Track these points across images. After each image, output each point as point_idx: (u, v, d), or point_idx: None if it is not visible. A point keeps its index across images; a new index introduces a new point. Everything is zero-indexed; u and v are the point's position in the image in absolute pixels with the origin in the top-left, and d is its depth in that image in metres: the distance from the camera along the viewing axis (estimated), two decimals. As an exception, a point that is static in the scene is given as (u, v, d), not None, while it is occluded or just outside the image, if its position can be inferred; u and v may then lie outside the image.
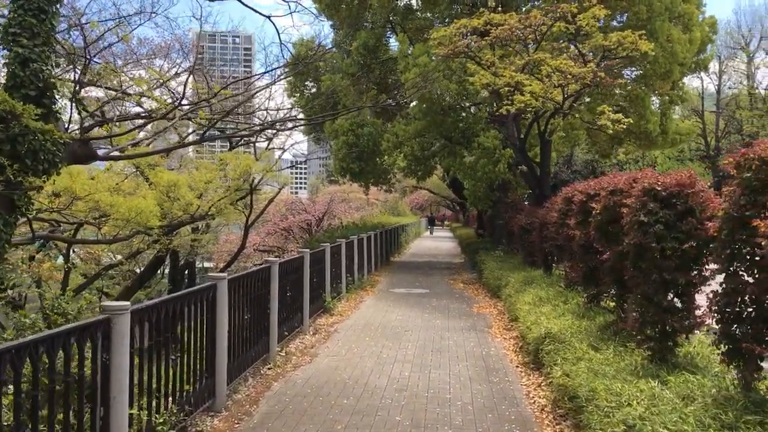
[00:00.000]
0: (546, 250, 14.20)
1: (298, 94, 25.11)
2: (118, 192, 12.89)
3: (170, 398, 5.79)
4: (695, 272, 6.39)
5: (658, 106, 24.20)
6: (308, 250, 11.57)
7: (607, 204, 8.12)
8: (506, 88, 14.84)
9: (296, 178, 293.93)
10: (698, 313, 6.42)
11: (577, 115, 16.88)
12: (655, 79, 21.65)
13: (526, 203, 20.23)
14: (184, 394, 6.09)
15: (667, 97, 23.82)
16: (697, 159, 54.86)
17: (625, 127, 14.72)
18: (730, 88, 60.68)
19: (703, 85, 62.07)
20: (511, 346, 10.28)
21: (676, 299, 6.56)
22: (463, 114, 21.61)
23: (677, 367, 6.29)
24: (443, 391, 7.73)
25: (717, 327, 5.49)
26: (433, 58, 20.60)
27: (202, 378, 6.53)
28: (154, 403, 5.46)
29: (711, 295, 5.44)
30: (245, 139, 17.78)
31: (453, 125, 21.80)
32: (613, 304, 8.75)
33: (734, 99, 59.34)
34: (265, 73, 18.20)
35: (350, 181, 26.58)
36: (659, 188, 6.52)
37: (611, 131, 14.85)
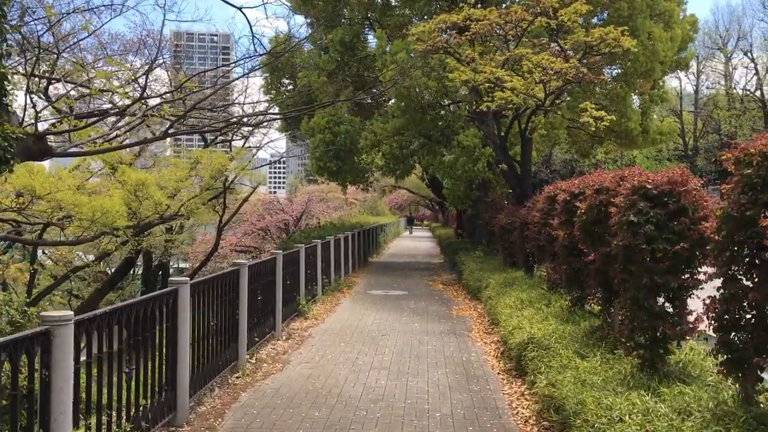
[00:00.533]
0: (527, 250, 13.86)
1: (275, 92, 24.59)
2: (83, 191, 12.33)
3: (124, 415, 5.30)
4: (687, 275, 6.03)
5: (638, 105, 24.00)
6: (281, 251, 11.09)
7: (593, 203, 7.75)
8: (486, 85, 14.47)
9: (275, 178, 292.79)
10: (690, 318, 6.07)
11: (559, 112, 16.55)
12: (636, 77, 21.44)
13: (506, 203, 19.87)
14: (141, 409, 5.60)
15: (647, 96, 23.62)
16: (675, 159, 55.03)
17: (607, 124, 14.41)
18: (708, 88, 61.10)
19: (681, 85, 62.41)
20: (492, 351, 9.89)
21: (667, 304, 6.21)
22: (443, 112, 21.24)
23: (669, 376, 5.93)
24: (421, 401, 7.30)
25: (714, 334, 5.13)
26: (412, 55, 20.21)
27: (162, 391, 6.04)
28: (105, 422, 4.97)
29: (708, 301, 5.07)
30: (219, 135, 17.20)
31: (432, 123, 21.42)
32: (599, 308, 8.38)
33: (712, 99, 59.72)
34: (234, 64, 17.25)
35: (327, 180, 26.10)
36: (650, 186, 6.15)
37: (593, 128, 14.54)
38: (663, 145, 45.40)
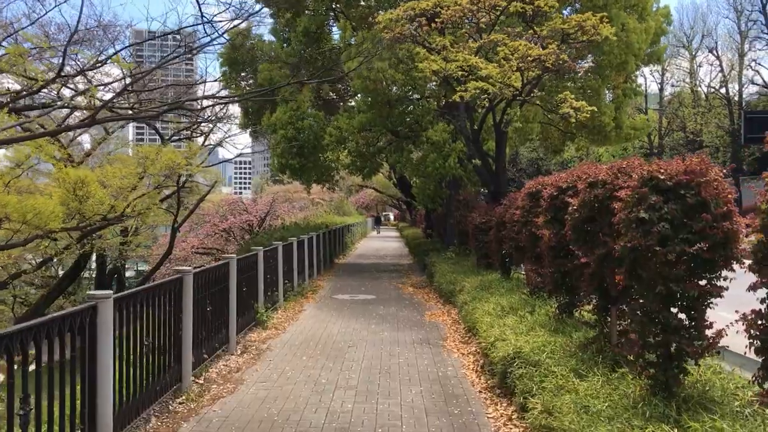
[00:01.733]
0: (504, 251, 12.91)
1: (234, 86, 23.37)
2: (14, 190, 11.07)
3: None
4: (707, 282, 5.11)
5: (610, 99, 23.31)
6: (234, 256, 9.96)
7: (586, 199, 6.79)
8: (459, 73, 13.50)
9: (240, 178, 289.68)
10: (709, 332, 5.15)
11: (538, 102, 15.65)
12: (610, 70, 20.71)
13: (480, 201, 18.99)
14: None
15: (620, 91, 22.94)
16: (642, 157, 54.84)
17: (587, 116, 13.56)
18: (673, 86, 61.15)
19: (646, 83, 62.44)
20: (470, 364, 8.89)
21: (682, 315, 5.27)
22: (411, 107, 20.24)
23: (688, 401, 4.99)
24: (394, 428, 6.28)
25: (757, 358, 4.20)
26: (379, 47, 19.19)
27: (74, 431, 4.91)
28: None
29: (749, 315, 4.13)
30: (176, 130, 15.94)
31: (399, 118, 20.44)
32: (593, 315, 7.43)
33: (677, 97, 59.79)
34: (183, 53, 15.85)
35: (290, 178, 24.95)
36: (662, 177, 5.20)
37: (574, 120, 13.69)
38: (629, 144, 45.15)
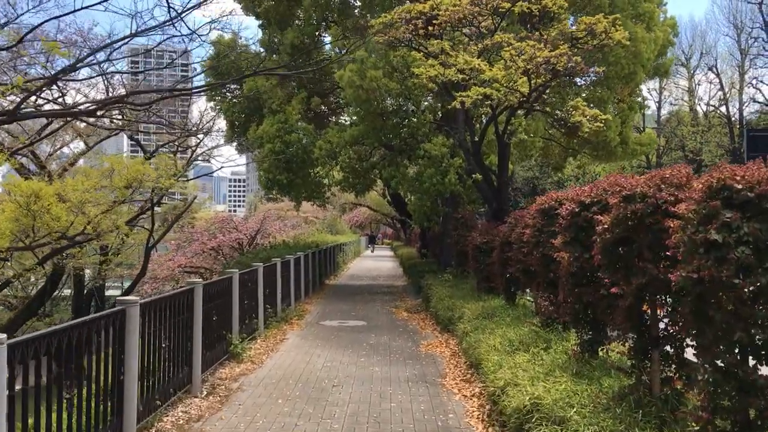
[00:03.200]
0: (509, 275, 11.61)
1: (219, 98, 22.14)
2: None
3: None
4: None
5: (616, 113, 22.15)
6: (201, 281, 8.62)
7: (621, 215, 5.52)
8: (460, 77, 12.27)
9: (235, 196, 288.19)
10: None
11: (547, 110, 14.41)
12: (617, 81, 19.58)
13: (480, 219, 17.74)
14: None
15: (625, 105, 21.79)
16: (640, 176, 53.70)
17: (602, 125, 12.36)
18: (671, 104, 60.23)
19: (643, 101, 61.46)
20: (475, 411, 7.55)
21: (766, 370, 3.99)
22: (406, 118, 19.01)
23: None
24: (383, 504, 4.94)
25: None
26: (373, 54, 18.01)
27: None
28: None
29: None
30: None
31: (394, 131, 19.21)
32: (628, 359, 6.11)
33: (675, 115, 58.80)
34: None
35: (278, 195, 23.64)
36: (740, 186, 3.93)
37: (587, 129, 12.46)
38: (626, 162, 44.04)
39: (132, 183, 12.76)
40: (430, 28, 13.81)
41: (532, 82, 12.01)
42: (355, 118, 20.45)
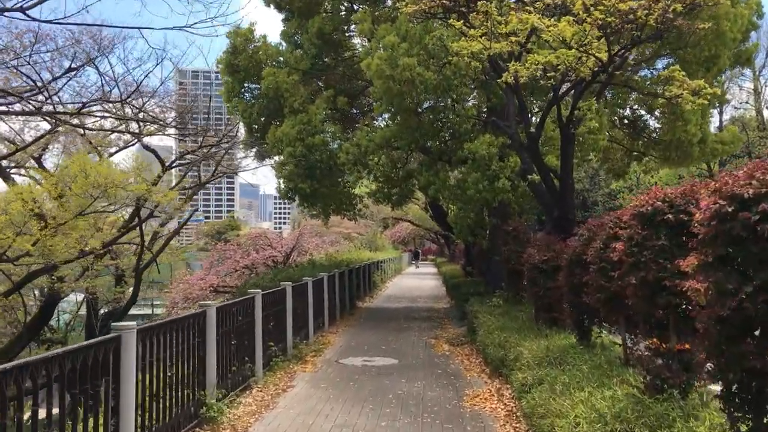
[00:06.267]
0: (582, 304, 8.64)
1: (236, 99, 19.74)
2: None
3: None
4: None
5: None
6: (135, 324, 5.91)
7: None
8: (511, 47, 9.43)
9: (280, 213, 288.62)
10: None
11: (636, 77, 11.36)
12: (696, 66, 16.40)
13: (535, 232, 14.78)
14: None
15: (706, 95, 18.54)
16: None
17: (706, 102, 9.41)
18: (734, 107, 56.02)
19: (723, 91, 57.29)
20: None
21: None
22: (445, 113, 16.19)
23: None
24: None
25: None
26: (405, 40, 15.29)
27: None
28: None
29: None
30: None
31: (431, 130, 16.41)
32: None
33: (739, 120, 54.58)
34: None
35: (300, 205, 21.06)
36: None
37: (690, 105, 9.48)
38: (683, 169, 40.23)
39: (88, 191, 10.20)
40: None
41: (612, 43, 9.06)
42: (386, 116, 17.74)
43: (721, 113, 51.46)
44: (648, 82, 12.24)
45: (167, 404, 6.42)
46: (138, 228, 13.17)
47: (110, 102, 11.80)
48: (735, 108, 55.78)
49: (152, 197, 12.13)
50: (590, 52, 8.80)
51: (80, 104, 13.09)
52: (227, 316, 8.38)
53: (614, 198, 46.21)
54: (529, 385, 7.71)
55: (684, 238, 5.74)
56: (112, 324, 5.59)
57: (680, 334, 5.81)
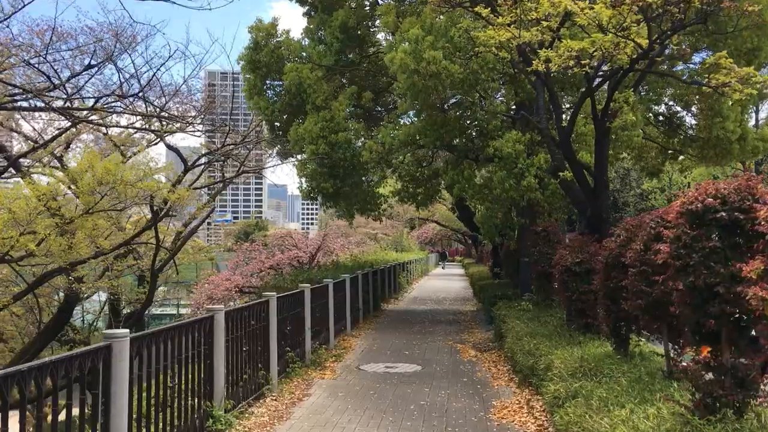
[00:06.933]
0: (619, 311, 7.99)
1: (257, 97, 19.30)
2: None
3: None
4: None
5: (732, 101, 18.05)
6: (128, 334, 5.43)
7: None
8: (542, 36, 8.81)
9: (307, 214, 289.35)
10: None
11: (680, 65, 10.63)
12: (737, 59, 15.52)
13: (567, 233, 14.10)
14: None
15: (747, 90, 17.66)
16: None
17: (754, 91, 8.69)
18: (771, 105, 54.40)
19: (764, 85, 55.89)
20: None
21: None
22: (471, 110, 15.59)
23: None
24: None
25: None
26: (431, 33, 14.71)
27: None
28: None
29: None
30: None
31: (457, 125, 15.82)
32: None
33: (774, 119, 53.04)
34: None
35: (322, 205, 20.60)
36: None
37: (738, 95, 8.78)
38: (717, 169, 38.98)
39: (95, 188, 9.77)
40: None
41: (652, 28, 8.35)
42: (411, 113, 17.19)
43: (757, 111, 50.03)
44: (687, 74, 11.49)
45: (168, 418, 5.94)
46: (153, 228, 12.71)
47: (124, 97, 11.41)
48: (770, 106, 54.25)
49: (163, 195, 11.70)
50: (630, 36, 8.12)
51: (94, 99, 12.74)
52: (238, 320, 7.88)
53: (645, 199, 45.06)
54: (562, 399, 7.09)
55: (739, 239, 5.12)
56: (103, 331, 5.12)
57: (734, 347, 5.17)
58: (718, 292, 5.04)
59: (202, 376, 6.82)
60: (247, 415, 7.79)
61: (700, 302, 5.20)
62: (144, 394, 5.41)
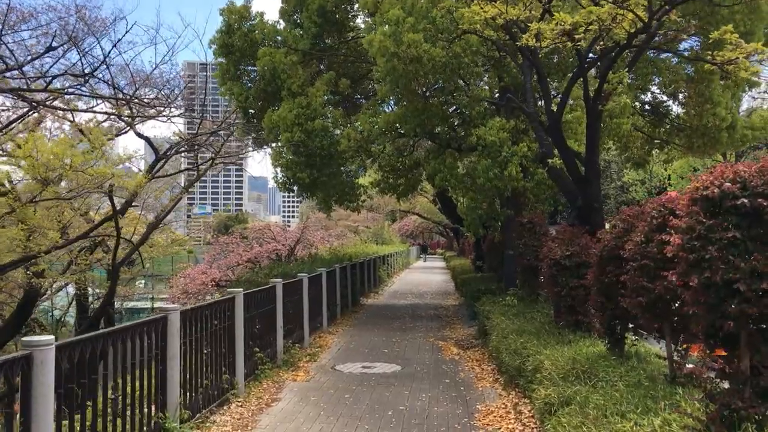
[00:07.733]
0: (615, 308, 7.35)
1: (230, 82, 18.47)
2: None
3: None
4: None
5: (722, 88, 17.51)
6: (53, 340, 4.68)
7: None
8: (535, 10, 8.10)
9: (288, 206, 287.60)
10: None
11: (685, 37, 9.95)
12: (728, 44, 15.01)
13: (555, 224, 13.47)
14: None
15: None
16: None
17: (759, 67, 8.09)
18: (752, 98, 54.28)
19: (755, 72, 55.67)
20: None
21: None
22: (452, 96, 14.89)
23: None
24: None
25: None
26: (411, 12, 13.97)
27: None
28: None
29: None
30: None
31: (439, 112, 15.12)
32: None
33: (754, 112, 52.79)
34: None
35: (297, 195, 19.83)
36: None
37: (746, 75, 8.15)
38: (697, 162, 38.58)
39: (39, 174, 8.88)
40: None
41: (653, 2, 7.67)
42: (391, 100, 16.47)
43: (739, 101, 49.75)
44: (688, 52, 10.87)
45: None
46: (114, 219, 11.87)
47: (85, 77, 10.57)
48: (752, 98, 54.15)
49: (119, 183, 10.88)
50: (629, 9, 7.42)
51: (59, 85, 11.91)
52: (196, 321, 7.13)
53: (626, 191, 44.66)
54: (553, 405, 6.44)
55: (761, 229, 4.46)
56: (22, 339, 4.36)
57: (756, 352, 4.52)
58: (738, 290, 4.39)
59: (153, 384, 6.07)
60: (207, 425, 7.06)
61: (716, 301, 4.54)
62: (76, 410, 4.66)
